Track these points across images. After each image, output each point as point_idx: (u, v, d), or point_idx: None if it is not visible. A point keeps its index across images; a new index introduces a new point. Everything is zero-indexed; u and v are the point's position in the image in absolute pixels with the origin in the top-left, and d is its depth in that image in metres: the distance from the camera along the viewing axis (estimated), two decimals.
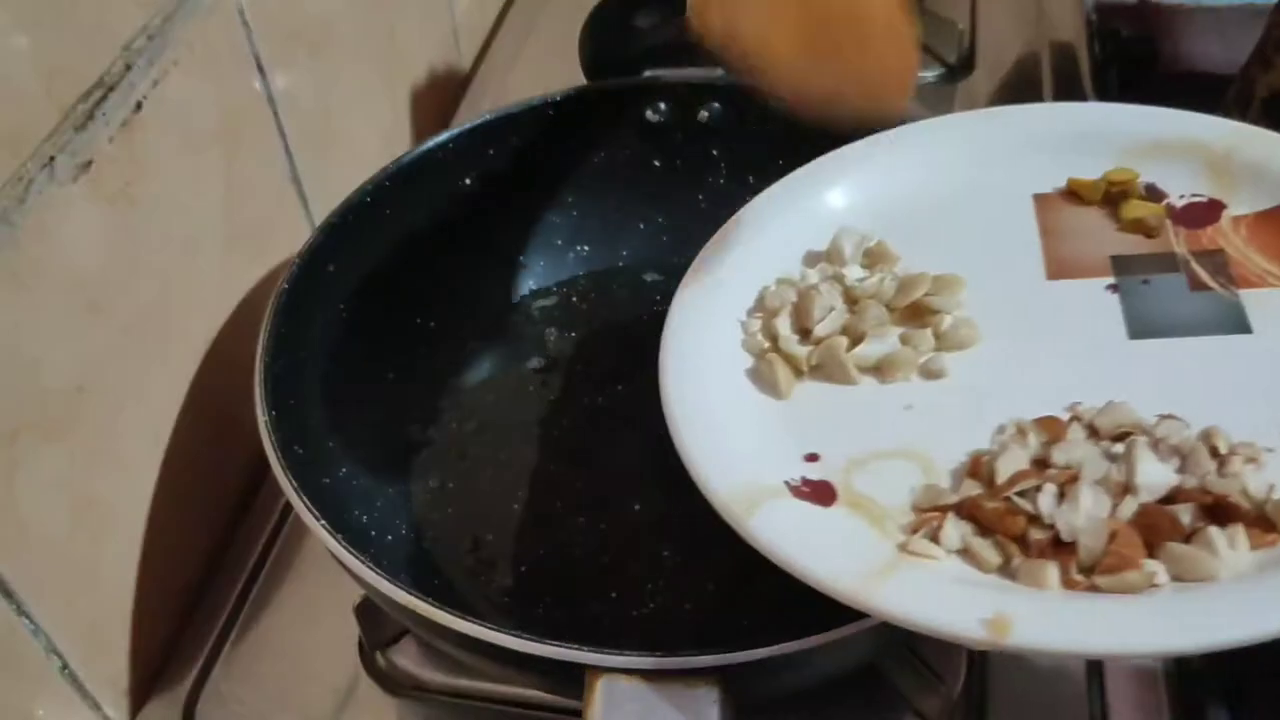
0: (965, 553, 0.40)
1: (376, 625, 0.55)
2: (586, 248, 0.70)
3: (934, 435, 0.45)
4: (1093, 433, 0.42)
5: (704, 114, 0.67)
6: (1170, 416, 0.42)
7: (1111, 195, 0.52)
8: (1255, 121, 0.59)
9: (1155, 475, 0.40)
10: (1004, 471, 0.41)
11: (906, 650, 0.51)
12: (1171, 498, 0.39)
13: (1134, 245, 0.50)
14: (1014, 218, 0.52)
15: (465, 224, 0.66)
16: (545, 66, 0.91)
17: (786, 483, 0.44)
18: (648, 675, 0.40)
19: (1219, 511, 0.39)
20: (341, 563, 0.45)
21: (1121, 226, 0.51)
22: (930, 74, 0.87)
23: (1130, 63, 0.91)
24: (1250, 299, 0.46)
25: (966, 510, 0.41)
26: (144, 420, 0.55)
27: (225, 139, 0.59)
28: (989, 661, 0.54)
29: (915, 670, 0.51)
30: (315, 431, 0.55)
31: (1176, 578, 0.37)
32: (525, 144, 0.66)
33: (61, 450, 0.49)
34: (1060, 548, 0.39)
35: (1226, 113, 0.63)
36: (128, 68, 0.51)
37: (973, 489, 0.42)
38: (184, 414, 0.57)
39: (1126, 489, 0.40)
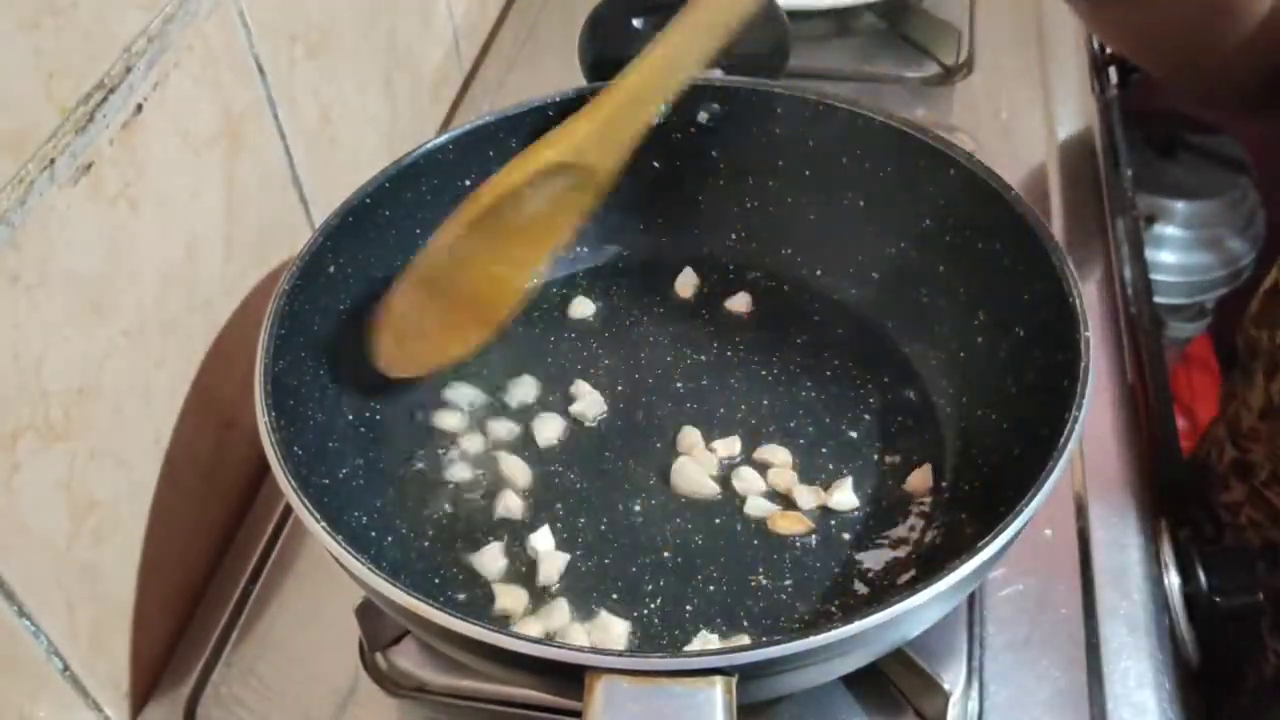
0: None
1: (377, 626, 0.55)
2: (586, 248, 0.70)
3: None
4: None
5: (704, 114, 0.67)
6: None
7: None
8: None
9: None
10: None
11: (907, 651, 0.51)
12: None
13: None
14: None
15: None
16: (545, 67, 0.91)
17: None
18: (648, 676, 0.40)
19: None
20: (341, 564, 0.45)
21: None
22: (930, 75, 0.87)
23: (1129, 62, 0.91)
24: None
25: None
26: (144, 420, 0.55)
27: (225, 140, 0.59)
28: (988, 661, 0.54)
29: (915, 670, 0.51)
30: (315, 431, 0.55)
31: None
32: (525, 145, 0.66)
33: (62, 451, 0.49)
34: None
35: (1250, 357, 0.63)
36: (128, 70, 0.51)
37: None
38: (184, 414, 0.57)
39: None
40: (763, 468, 0.60)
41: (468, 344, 0.62)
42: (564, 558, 0.56)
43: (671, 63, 0.56)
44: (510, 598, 0.55)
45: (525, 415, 0.63)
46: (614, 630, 0.53)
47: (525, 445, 0.62)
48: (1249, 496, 0.65)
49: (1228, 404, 0.68)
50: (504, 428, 0.62)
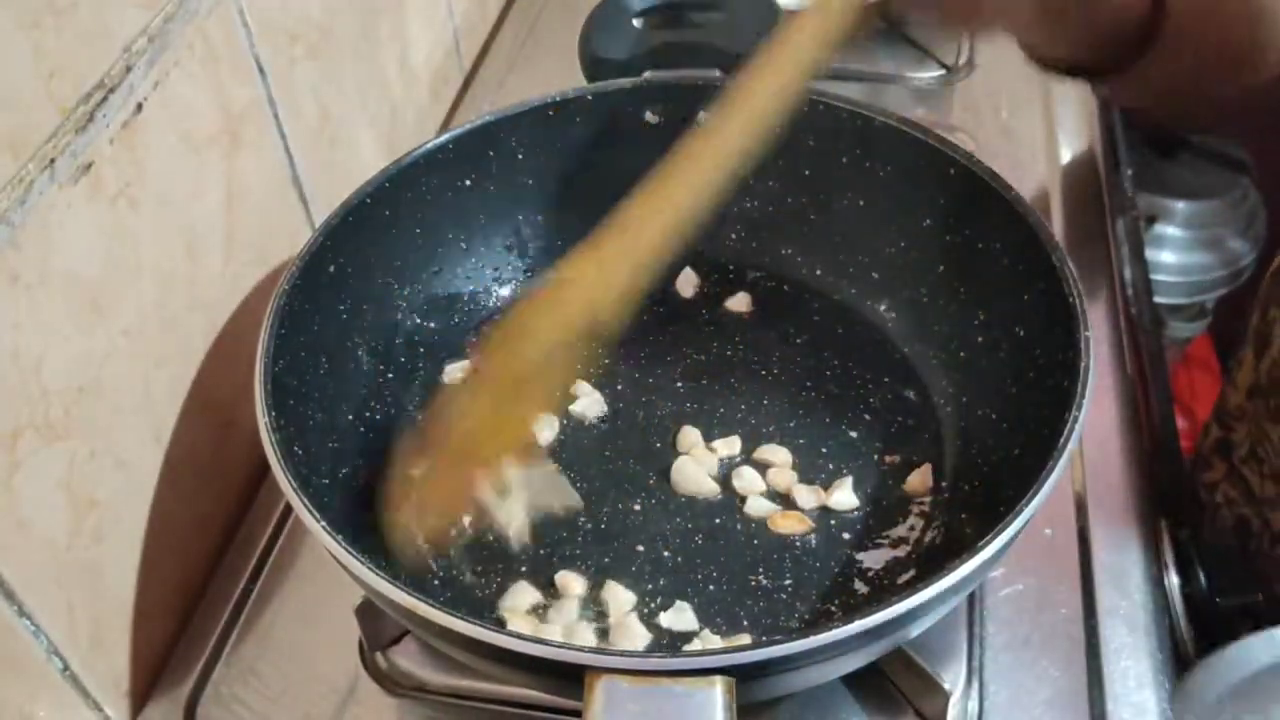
0: None
1: (377, 626, 0.55)
2: None
3: None
4: None
5: (704, 114, 0.66)
6: None
7: None
8: (1271, 369, 0.58)
9: None
10: None
11: (907, 650, 0.51)
12: None
13: None
14: None
15: (465, 225, 0.66)
16: (545, 67, 0.91)
17: None
18: (648, 676, 0.40)
19: None
20: (341, 564, 0.45)
21: None
22: (930, 75, 0.87)
23: None
24: None
25: None
26: (144, 420, 0.55)
27: (225, 140, 0.59)
28: (988, 661, 0.54)
29: (915, 670, 0.51)
30: (315, 431, 0.55)
31: None
32: (525, 145, 0.66)
33: (62, 450, 0.49)
34: None
35: (1244, 347, 0.64)
36: (128, 69, 0.51)
37: None
38: (184, 414, 0.57)
39: None
40: (763, 468, 0.60)
41: (469, 499, 0.56)
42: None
43: (670, 202, 0.52)
44: (516, 595, 0.55)
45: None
46: (634, 631, 0.53)
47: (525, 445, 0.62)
48: (1227, 474, 0.65)
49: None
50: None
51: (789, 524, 0.57)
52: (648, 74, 0.67)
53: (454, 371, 0.65)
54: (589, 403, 0.63)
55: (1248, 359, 0.63)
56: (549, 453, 0.61)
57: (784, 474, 0.59)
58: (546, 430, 0.62)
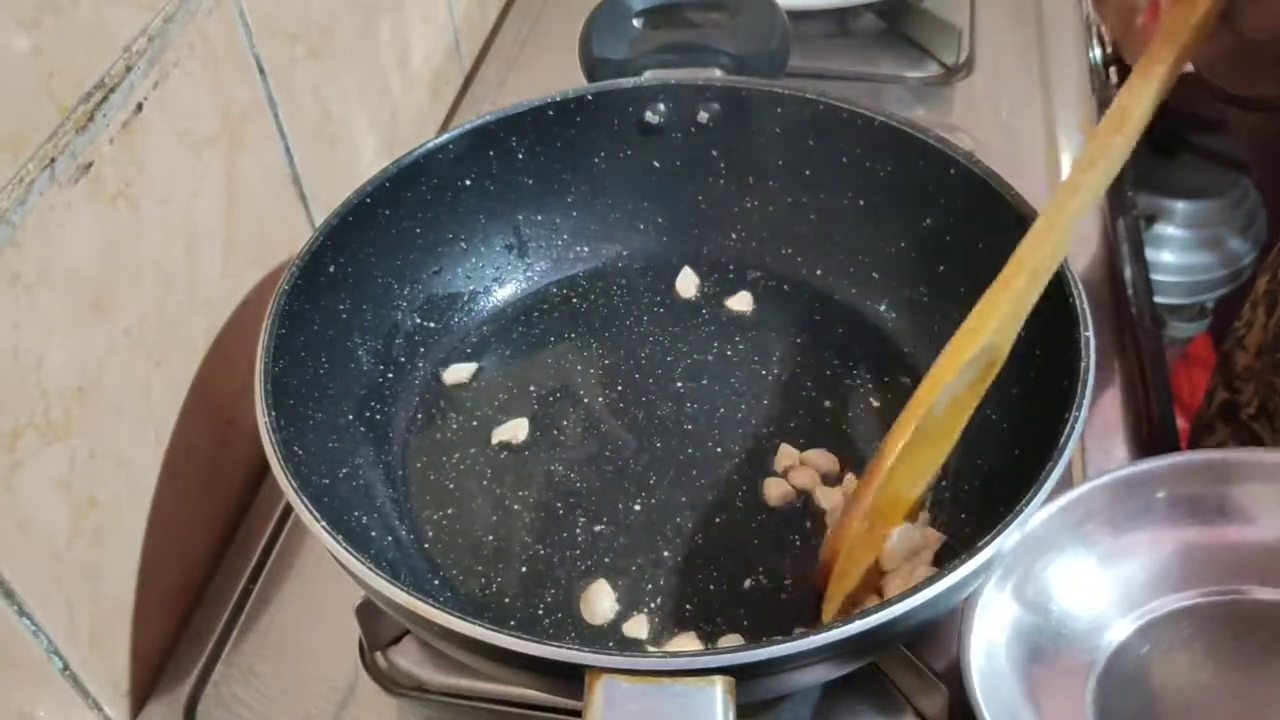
0: None
1: (377, 626, 0.55)
2: (586, 248, 0.70)
3: None
4: None
5: (704, 114, 0.67)
6: None
7: None
8: (1277, 327, 0.59)
9: None
10: None
11: (906, 650, 0.51)
12: None
13: None
14: None
15: (465, 225, 0.66)
16: (545, 67, 0.91)
17: None
18: (648, 676, 0.40)
19: None
20: (341, 564, 0.45)
21: None
22: (930, 75, 0.87)
23: (1129, 64, 0.91)
24: None
25: None
26: (144, 419, 0.55)
27: (225, 140, 0.59)
28: None
29: (915, 670, 0.51)
30: (315, 431, 0.55)
31: None
32: (525, 145, 0.66)
33: (62, 450, 0.49)
34: None
35: (1252, 310, 0.64)
36: (128, 69, 0.51)
37: None
38: (184, 414, 0.57)
39: None
40: (764, 467, 0.60)
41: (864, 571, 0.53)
42: None
43: (1068, 224, 0.51)
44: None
45: (524, 415, 0.63)
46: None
47: (525, 445, 0.62)
48: (1234, 435, 0.65)
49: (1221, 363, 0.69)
50: (504, 428, 0.62)
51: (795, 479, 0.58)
52: (648, 74, 0.67)
53: (456, 372, 0.65)
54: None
55: (1258, 320, 0.64)
56: (551, 453, 0.62)
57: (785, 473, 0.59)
58: (548, 429, 0.62)
